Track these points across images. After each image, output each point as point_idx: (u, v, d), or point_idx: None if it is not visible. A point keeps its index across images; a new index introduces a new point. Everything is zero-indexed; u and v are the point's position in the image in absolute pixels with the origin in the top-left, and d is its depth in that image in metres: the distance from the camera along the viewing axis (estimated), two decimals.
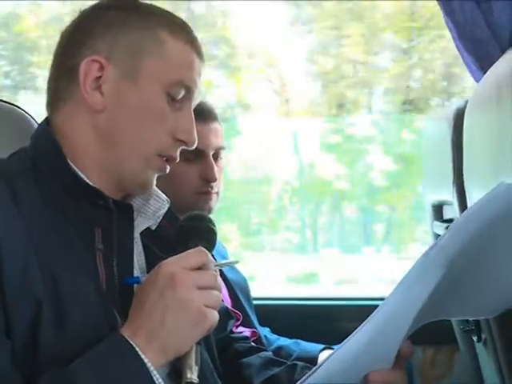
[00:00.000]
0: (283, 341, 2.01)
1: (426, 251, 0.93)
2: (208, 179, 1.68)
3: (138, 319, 0.94)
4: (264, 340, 1.89)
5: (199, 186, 1.69)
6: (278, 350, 1.94)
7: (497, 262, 0.97)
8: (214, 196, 1.71)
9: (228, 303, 1.82)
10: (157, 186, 1.15)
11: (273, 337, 2.02)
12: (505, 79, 1.05)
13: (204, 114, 1.67)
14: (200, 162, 1.68)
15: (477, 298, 1.01)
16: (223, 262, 1.16)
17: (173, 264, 0.97)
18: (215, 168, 1.69)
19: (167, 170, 1.10)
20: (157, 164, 1.07)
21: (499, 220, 0.93)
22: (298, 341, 2.00)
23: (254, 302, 1.96)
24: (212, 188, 1.70)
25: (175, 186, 1.64)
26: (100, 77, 1.04)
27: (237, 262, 1.39)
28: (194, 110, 1.12)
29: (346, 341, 0.96)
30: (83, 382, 0.88)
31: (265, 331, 2.00)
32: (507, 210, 0.93)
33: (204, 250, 1.00)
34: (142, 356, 0.91)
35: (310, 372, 0.97)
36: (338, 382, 0.96)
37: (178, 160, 1.10)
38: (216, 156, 1.72)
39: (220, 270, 1.85)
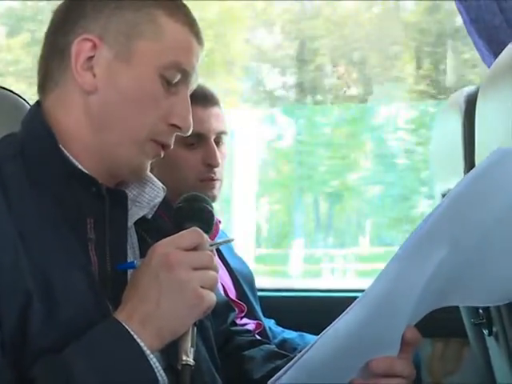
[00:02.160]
0: (288, 333, 1.99)
1: (419, 226, 0.90)
2: (210, 164, 1.66)
3: (133, 302, 0.92)
4: (268, 332, 1.86)
5: (202, 172, 1.67)
6: (283, 343, 1.92)
7: (507, 238, 0.93)
8: (218, 183, 1.69)
9: (232, 293, 1.80)
10: (158, 173, 1.13)
11: (277, 329, 2.00)
12: None
13: (205, 99, 1.65)
14: (202, 147, 1.66)
15: (488, 281, 0.96)
16: (218, 241, 1.14)
17: (167, 245, 0.94)
18: (217, 153, 1.67)
19: (161, 155, 1.06)
20: (150, 149, 1.04)
21: (502, 188, 0.89)
22: (303, 334, 1.98)
23: (259, 294, 1.94)
24: (215, 174, 1.67)
25: (178, 172, 1.63)
26: (92, 57, 1.01)
27: (232, 239, 1.38)
28: (195, 95, 1.09)
29: (332, 325, 0.92)
30: (78, 367, 0.86)
31: (270, 323, 1.97)
32: (507, 176, 0.89)
33: (198, 230, 0.97)
34: (138, 340, 0.89)
35: (295, 359, 0.93)
36: (327, 371, 0.93)
37: (172, 146, 1.07)
38: (218, 141, 1.70)
39: (225, 260, 1.83)
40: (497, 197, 0.90)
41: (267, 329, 1.86)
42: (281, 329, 2.01)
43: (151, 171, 1.10)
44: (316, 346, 0.92)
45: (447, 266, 0.90)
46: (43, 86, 1.06)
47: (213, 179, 1.67)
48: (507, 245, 0.93)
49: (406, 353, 0.96)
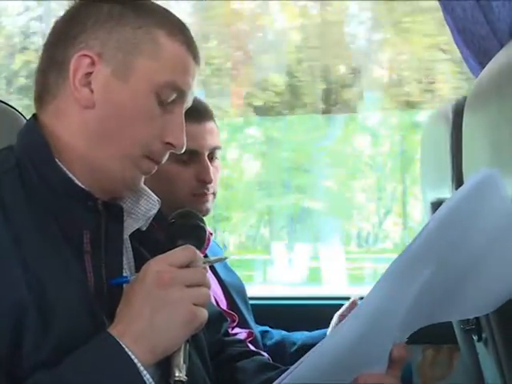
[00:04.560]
0: (285, 333, 2.01)
1: (408, 246, 0.91)
2: (204, 180, 1.66)
3: (126, 319, 0.93)
4: (260, 341, 1.87)
5: (195, 188, 1.66)
6: (281, 340, 1.94)
7: (490, 253, 0.95)
8: (211, 197, 1.69)
9: (223, 304, 1.81)
10: (152, 188, 1.13)
11: (275, 330, 2.01)
12: (505, 72, 1.03)
13: (198, 114, 1.63)
14: (195, 163, 1.66)
15: (477, 295, 0.99)
16: (212, 258, 1.15)
17: (160, 262, 0.95)
18: (211, 169, 1.67)
19: (154, 171, 1.07)
20: (144, 165, 1.05)
21: (486, 209, 0.92)
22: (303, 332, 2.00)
23: (251, 302, 1.94)
24: (208, 189, 1.67)
25: (171, 188, 1.62)
26: (90, 73, 1.01)
27: (226, 258, 1.38)
28: (189, 110, 1.10)
29: (322, 341, 0.93)
30: (70, 382, 0.87)
31: (265, 327, 1.99)
32: (491, 198, 0.92)
33: (191, 247, 0.98)
34: (132, 356, 0.90)
35: (287, 372, 0.94)
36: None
37: (163, 161, 1.08)
38: (211, 156, 1.70)
39: (215, 272, 1.84)
40: (482, 218, 0.92)
41: (259, 338, 1.87)
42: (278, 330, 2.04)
43: (144, 184, 1.11)
44: (307, 362, 0.93)
45: (434, 285, 0.92)
46: (40, 98, 1.06)
47: (206, 194, 1.67)
48: (495, 261, 0.95)
49: (394, 369, 0.97)
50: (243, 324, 1.83)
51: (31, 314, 0.90)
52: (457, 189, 1.38)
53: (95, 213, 1.02)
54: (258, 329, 1.91)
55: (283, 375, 0.95)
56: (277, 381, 0.95)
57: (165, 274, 0.93)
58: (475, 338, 1.51)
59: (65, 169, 1.01)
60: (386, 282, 0.92)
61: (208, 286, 0.97)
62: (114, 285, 1.01)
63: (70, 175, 1.01)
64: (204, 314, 0.94)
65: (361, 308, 0.92)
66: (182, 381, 0.93)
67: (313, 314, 2.22)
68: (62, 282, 0.94)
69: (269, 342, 1.94)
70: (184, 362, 0.94)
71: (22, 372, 0.89)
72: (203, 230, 1.08)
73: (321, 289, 3.56)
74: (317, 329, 1.97)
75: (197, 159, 1.66)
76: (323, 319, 1.89)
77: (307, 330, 2.01)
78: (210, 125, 1.69)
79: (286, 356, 1.88)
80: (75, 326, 0.93)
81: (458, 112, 1.37)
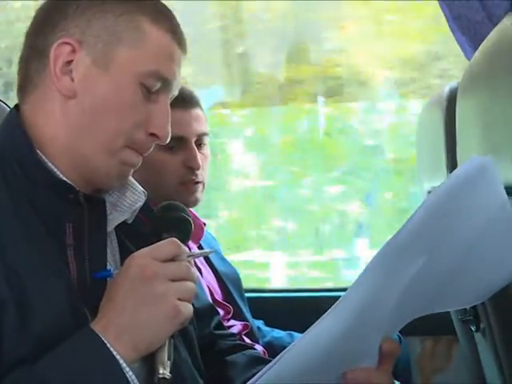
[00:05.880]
0: (277, 333, 1.99)
1: (395, 235, 0.88)
2: (192, 167, 1.64)
3: (109, 314, 0.90)
4: (256, 333, 1.85)
5: (183, 175, 1.65)
6: (272, 342, 1.92)
7: (484, 241, 0.92)
8: (200, 186, 1.67)
9: (218, 295, 1.79)
10: (138, 177, 1.10)
11: (266, 328, 2.00)
12: (496, 53, 1.01)
13: (184, 100, 1.62)
14: (182, 149, 1.65)
15: (470, 284, 0.96)
16: (196, 252, 1.13)
17: (144, 256, 0.93)
18: (198, 155, 1.65)
19: (139, 163, 1.05)
20: (127, 157, 1.02)
21: (478, 196, 0.89)
22: (292, 332, 1.98)
23: (247, 295, 1.93)
24: (196, 176, 1.65)
25: (158, 176, 1.61)
26: (71, 61, 0.99)
27: (211, 251, 1.37)
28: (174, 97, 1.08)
29: (300, 337, 0.90)
30: (51, 378, 0.84)
31: (258, 323, 1.97)
32: (483, 185, 0.89)
33: (176, 240, 0.96)
34: (114, 352, 0.87)
35: (262, 371, 0.90)
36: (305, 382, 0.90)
37: (147, 153, 1.05)
38: (199, 143, 1.69)
39: (210, 263, 1.82)
40: (474, 206, 0.89)
41: (255, 329, 1.85)
42: (270, 328, 2.02)
43: (132, 175, 1.08)
44: (283, 361, 0.90)
45: (426, 275, 0.89)
46: (22, 88, 1.04)
47: (195, 182, 1.66)
48: (488, 249, 0.92)
49: (385, 364, 0.94)
50: (239, 316, 1.82)
51: (10, 309, 0.87)
52: None
53: (77, 205, 0.99)
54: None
55: (257, 375, 0.91)
56: (251, 380, 0.92)
57: (148, 267, 0.91)
58: (473, 328, 1.51)
59: (46, 161, 0.99)
60: (372, 272, 0.88)
61: (193, 281, 0.94)
62: (97, 278, 0.98)
63: (52, 167, 0.99)
64: (189, 309, 0.92)
65: (344, 300, 0.88)
66: (166, 378, 0.90)
67: (308, 306, 2.21)
68: (43, 274, 0.92)
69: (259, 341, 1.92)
70: (168, 359, 0.92)
71: (2, 368, 0.86)
72: (188, 222, 1.06)
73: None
74: (311, 320, 1.95)
75: (184, 146, 1.64)
76: (319, 311, 1.87)
77: (302, 323, 1.98)
78: (195, 111, 1.68)
79: None
80: (57, 321, 0.90)
81: (452, 98, 1.36)
